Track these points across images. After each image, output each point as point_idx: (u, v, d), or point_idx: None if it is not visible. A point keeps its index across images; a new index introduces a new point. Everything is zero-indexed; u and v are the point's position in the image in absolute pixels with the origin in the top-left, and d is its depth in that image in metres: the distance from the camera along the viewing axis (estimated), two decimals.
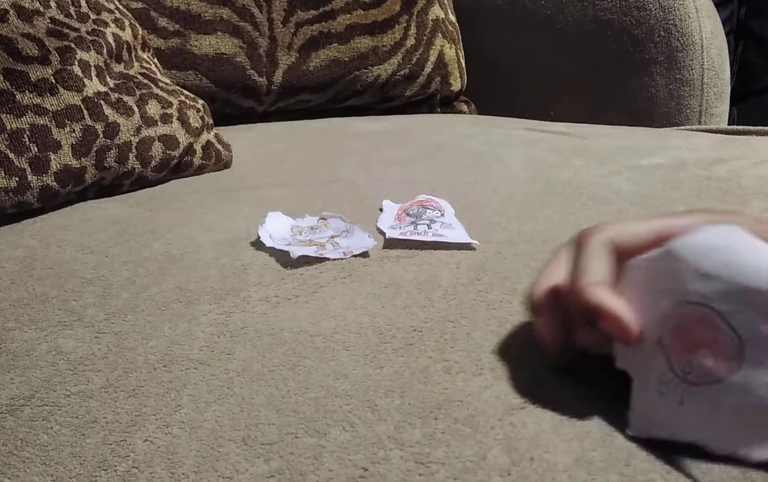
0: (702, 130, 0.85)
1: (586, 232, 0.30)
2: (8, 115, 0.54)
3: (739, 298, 0.25)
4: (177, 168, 0.65)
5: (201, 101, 0.70)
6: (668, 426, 0.27)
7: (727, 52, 1.04)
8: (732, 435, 0.26)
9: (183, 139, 0.65)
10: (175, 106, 0.65)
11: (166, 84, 0.68)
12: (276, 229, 0.49)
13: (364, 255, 0.46)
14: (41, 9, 0.59)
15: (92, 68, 0.60)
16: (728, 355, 0.26)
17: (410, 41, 1.02)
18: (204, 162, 0.67)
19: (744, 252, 0.26)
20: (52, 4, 0.60)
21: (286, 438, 0.28)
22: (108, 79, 0.61)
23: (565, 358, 0.31)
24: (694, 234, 0.27)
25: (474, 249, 0.46)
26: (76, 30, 0.61)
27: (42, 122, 0.55)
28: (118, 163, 0.60)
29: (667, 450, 0.27)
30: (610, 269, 0.29)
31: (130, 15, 0.71)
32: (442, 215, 0.51)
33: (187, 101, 0.68)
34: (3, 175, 0.53)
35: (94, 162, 0.58)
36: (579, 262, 0.29)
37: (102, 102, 0.59)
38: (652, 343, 0.27)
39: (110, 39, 0.63)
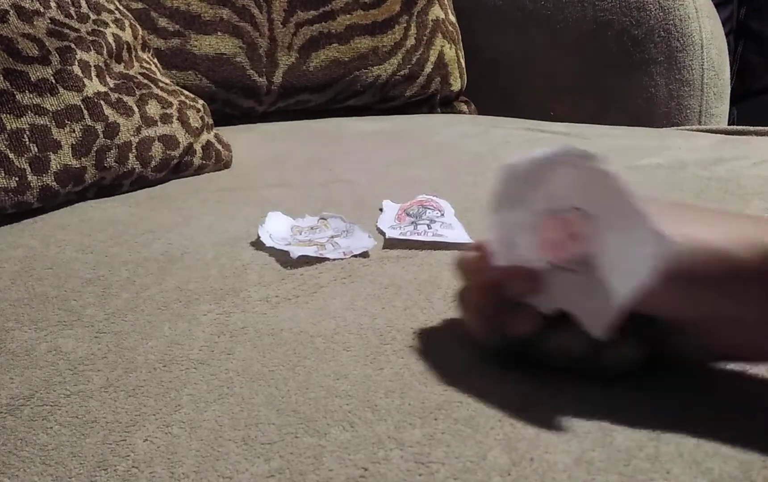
0: (702, 130, 0.85)
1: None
2: (8, 115, 0.54)
3: (584, 191, 0.28)
4: (177, 168, 0.65)
5: (201, 101, 0.70)
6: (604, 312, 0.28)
7: (726, 52, 1.04)
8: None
9: (183, 139, 0.65)
10: (175, 106, 0.65)
11: (166, 84, 0.68)
12: (276, 229, 0.49)
13: (364, 255, 0.46)
14: (41, 9, 0.59)
15: (92, 68, 0.60)
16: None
17: (410, 41, 1.02)
18: (204, 162, 0.67)
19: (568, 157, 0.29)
20: (52, 4, 0.60)
21: (286, 437, 0.28)
22: (108, 79, 0.61)
23: (501, 345, 0.32)
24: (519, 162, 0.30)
25: None
26: (76, 30, 0.61)
27: (42, 122, 0.55)
28: (118, 163, 0.60)
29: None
30: (486, 261, 0.32)
31: (130, 15, 0.71)
32: (442, 215, 0.51)
33: (187, 101, 0.68)
34: (3, 174, 0.53)
35: (94, 162, 0.58)
36: (464, 267, 0.33)
37: (102, 102, 0.59)
38: (545, 270, 0.30)
39: (110, 39, 0.63)
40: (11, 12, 0.56)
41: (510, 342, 0.32)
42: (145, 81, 0.66)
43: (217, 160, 0.69)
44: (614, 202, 0.28)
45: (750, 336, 0.28)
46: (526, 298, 0.30)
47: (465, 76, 1.10)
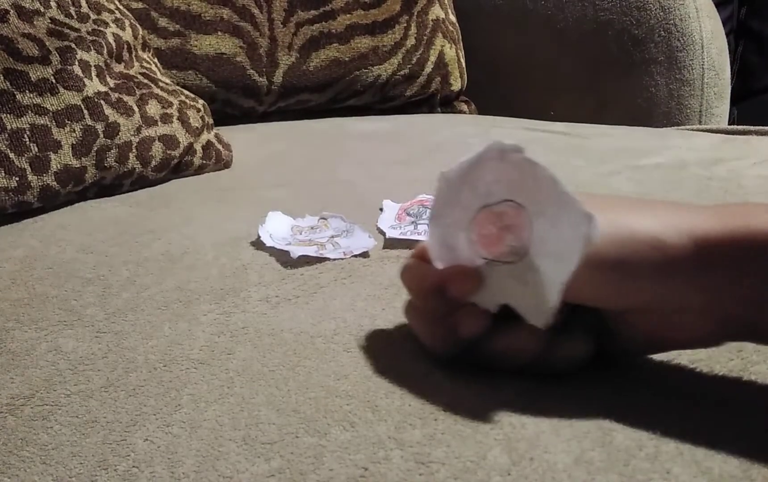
0: (702, 130, 0.85)
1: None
2: (8, 115, 0.54)
3: (521, 185, 0.29)
4: (177, 168, 0.65)
5: (201, 101, 0.70)
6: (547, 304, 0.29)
7: (727, 51, 1.04)
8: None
9: (183, 138, 0.65)
10: (175, 106, 0.65)
11: (167, 84, 0.68)
12: (276, 229, 0.49)
13: (365, 255, 0.46)
14: (41, 9, 0.59)
15: (92, 68, 0.60)
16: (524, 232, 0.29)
17: (410, 41, 1.02)
18: (204, 162, 0.68)
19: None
20: (53, 4, 0.60)
21: (286, 437, 0.28)
22: (108, 79, 0.61)
23: (452, 351, 0.32)
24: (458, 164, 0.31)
25: None
26: (77, 30, 0.61)
27: (42, 122, 0.55)
28: (119, 163, 0.60)
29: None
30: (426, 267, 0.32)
31: (130, 15, 0.71)
32: None
33: (188, 101, 0.68)
34: (3, 174, 0.53)
35: (94, 162, 0.58)
36: (407, 277, 0.33)
37: (102, 102, 0.59)
38: (484, 266, 0.30)
39: (110, 39, 0.63)
40: (11, 12, 0.56)
41: (462, 346, 0.31)
42: (146, 81, 0.66)
43: (217, 160, 0.69)
44: (543, 190, 0.28)
45: (687, 323, 0.28)
46: (469, 298, 0.31)
47: (465, 75, 1.10)
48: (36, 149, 0.55)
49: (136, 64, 0.68)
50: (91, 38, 0.61)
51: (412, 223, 0.50)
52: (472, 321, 0.30)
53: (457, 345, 0.31)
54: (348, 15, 0.98)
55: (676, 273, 0.27)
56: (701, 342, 0.30)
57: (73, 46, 0.59)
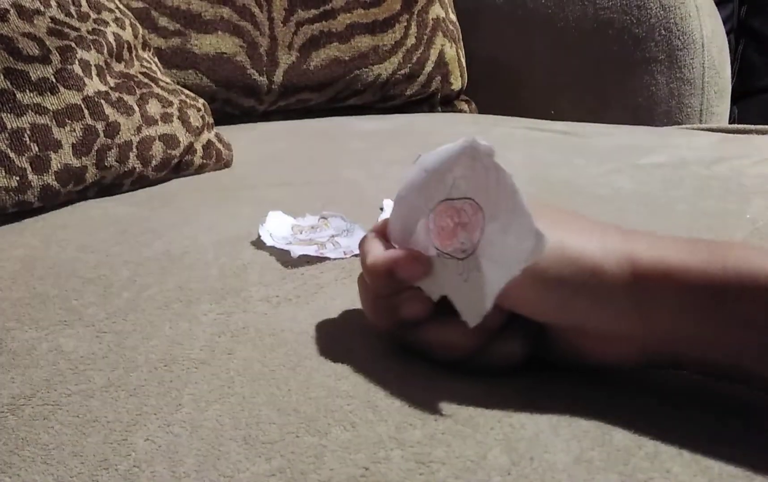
0: (703, 129, 0.85)
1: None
2: (9, 115, 0.54)
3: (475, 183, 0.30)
4: (178, 167, 0.65)
5: (201, 100, 0.70)
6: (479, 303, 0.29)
7: (727, 50, 1.04)
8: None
9: (183, 138, 0.65)
10: (175, 106, 0.65)
11: (167, 83, 0.68)
12: (276, 228, 0.49)
13: None
14: (42, 8, 0.59)
15: (93, 67, 0.60)
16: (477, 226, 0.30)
17: (411, 40, 1.02)
18: (204, 161, 0.68)
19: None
20: (53, 3, 0.60)
21: (287, 437, 0.28)
22: (108, 78, 0.61)
23: (392, 329, 0.33)
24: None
25: None
26: (77, 29, 0.61)
27: (42, 121, 0.55)
28: (119, 163, 0.60)
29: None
30: (382, 245, 0.34)
31: (130, 14, 0.71)
32: None
33: (188, 100, 0.68)
34: (4, 174, 0.53)
35: (94, 161, 0.58)
36: (362, 252, 0.34)
37: (102, 101, 0.59)
38: (434, 256, 0.31)
39: (111, 38, 0.63)
40: (11, 11, 0.56)
41: (401, 327, 0.33)
42: (146, 80, 0.66)
43: (217, 160, 0.69)
44: (502, 197, 0.29)
45: (616, 346, 0.29)
46: (415, 283, 0.32)
47: (465, 75, 1.10)
48: (36, 149, 0.55)
49: (136, 63, 0.68)
50: (91, 37, 0.61)
51: None
52: (414, 304, 0.32)
53: (397, 324, 0.33)
54: (348, 14, 0.98)
55: (611, 301, 0.28)
56: (629, 364, 0.30)
57: (74, 45, 0.59)
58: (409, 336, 0.33)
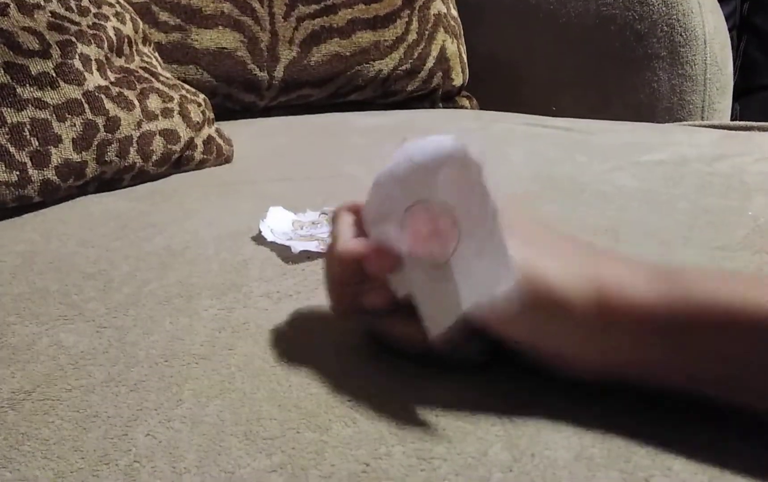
0: (704, 126, 0.85)
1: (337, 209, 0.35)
2: (9, 109, 0.54)
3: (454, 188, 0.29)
4: (178, 162, 0.65)
5: (202, 96, 0.70)
6: (449, 311, 0.29)
7: (729, 47, 1.03)
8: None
9: (184, 133, 0.64)
10: (176, 101, 0.65)
11: (167, 78, 0.68)
12: (277, 224, 0.49)
13: None
14: (42, 3, 0.58)
15: (93, 62, 0.60)
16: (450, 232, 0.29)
17: (412, 36, 1.02)
18: (205, 156, 0.67)
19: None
20: None
21: (288, 433, 0.28)
22: (109, 73, 0.61)
23: (352, 316, 0.34)
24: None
25: None
26: (77, 24, 0.60)
27: (43, 116, 0.55)
28: (119, 158, 0.60)
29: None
30: (354, 226, 0.33)
31: (131, 9, 0.70)
32: None
33: (188, 96, 0.68)
34: (4, 168, 0.53)
35: (94, 156, 0.58)
36: (333, 233, 0.34)
37: (103, 96, 0.59)
38: (406, 255, 0.30)
39: (111, 33, 0.63)
40: (11, 5, 0.56)
41: (361, 315, 0.33)
42: (146, 75, 0.66)
43: (218, 155, 0.69)
44: (483, 217, 0.28)
45: (581, 367, 0.29)
46: (381, 276, 0.31)
47: (467, 70, 1.09)
48: (36, 143, 0.54)
49: (136, 58, 0.68)
50: (91, 32, 0.61)
51: None
52: (377, 296, 0.32)
53: (357, 312, 0.33)
54: (349, 9, 0.98)
55: (576, 330, 0.28)
56: (596, 381, 0.30)
57: (74, 39, 0.59)
58: (367, 322, 0.33)
